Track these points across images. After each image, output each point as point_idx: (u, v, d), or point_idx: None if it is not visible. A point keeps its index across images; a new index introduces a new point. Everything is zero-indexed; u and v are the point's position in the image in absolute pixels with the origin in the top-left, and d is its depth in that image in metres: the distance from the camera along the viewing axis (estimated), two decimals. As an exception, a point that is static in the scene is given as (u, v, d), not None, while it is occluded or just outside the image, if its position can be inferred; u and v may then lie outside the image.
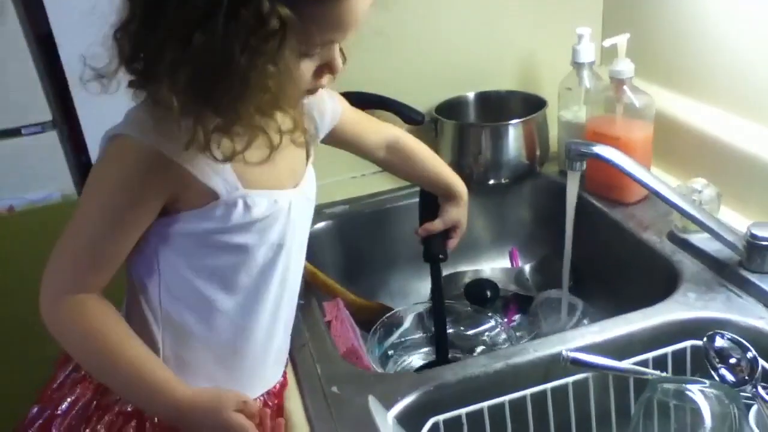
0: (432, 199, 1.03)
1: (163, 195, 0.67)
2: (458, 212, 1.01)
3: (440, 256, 1.02)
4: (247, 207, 0.69)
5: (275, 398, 0.80)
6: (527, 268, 1.25)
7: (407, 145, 0.98)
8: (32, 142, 1.15)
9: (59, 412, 0.74)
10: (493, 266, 1.26)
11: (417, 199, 1.10)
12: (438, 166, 1.01)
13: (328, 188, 1.20)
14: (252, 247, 0.71)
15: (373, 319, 1.09)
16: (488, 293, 1.17)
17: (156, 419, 0.72)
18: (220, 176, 0.67)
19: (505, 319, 1.13)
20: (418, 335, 1.12)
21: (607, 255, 1.11)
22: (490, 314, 1.10)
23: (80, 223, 0.66)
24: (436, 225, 1.01)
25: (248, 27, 0.56)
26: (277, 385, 0.81)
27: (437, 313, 1.04)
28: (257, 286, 0.74)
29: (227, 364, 0.76)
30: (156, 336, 0.73)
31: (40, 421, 0.76)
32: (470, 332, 1.10)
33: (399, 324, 1.11)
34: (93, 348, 0.67)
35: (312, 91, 0.70)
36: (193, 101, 0.60)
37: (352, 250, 1.20)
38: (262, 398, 0.78)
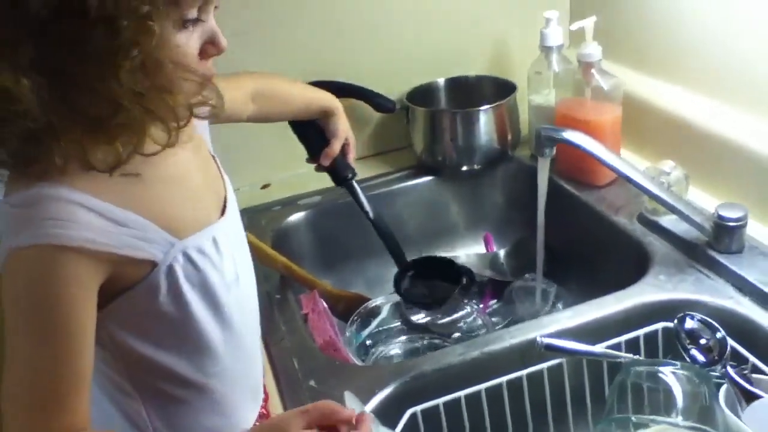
0: (308, 127, 1.01)
1: (94, 290, 0.57)
2: (344, 124, 1.00)
3: (350, 175, 1.03)
4: (189, 260, 0.62)
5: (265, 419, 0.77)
6: (502, 253, 1.25)
7: (268, 89, 0.93)
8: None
9: None
10: (468, 252, 1.27)
11: (389, 188, 1.11)
12: (303, 92, 0.99)
13: (301, 179, 1.20)
14: (213, 302, 0.65)
15: (351, 309, 1.09)
16: (463, 280, 1.17)
17: None
18: (146, 240, 0.58)
19: (481, 305, 1.14)
20: (396, 324, 1.12)
21: (580, 238, 1.13)
22: (465, 301, 1.11)
23: (20, 358, 0.55)
24: (334, 146, 0.99)
25: None
26: (264, 401, 0.78)
27: (379, 228, 1.06)
28: (233, 332, 0.68)
29: (216, 409, 0.70)
30: (141, 414, 0.67)
31: None
32: (446, 319, 1.11)
33: (377, 314, 1.11)
34: None
35: (202, 81, 0.60)
36: (48, 91, 0.50)
37: (327, 241, 1.20)
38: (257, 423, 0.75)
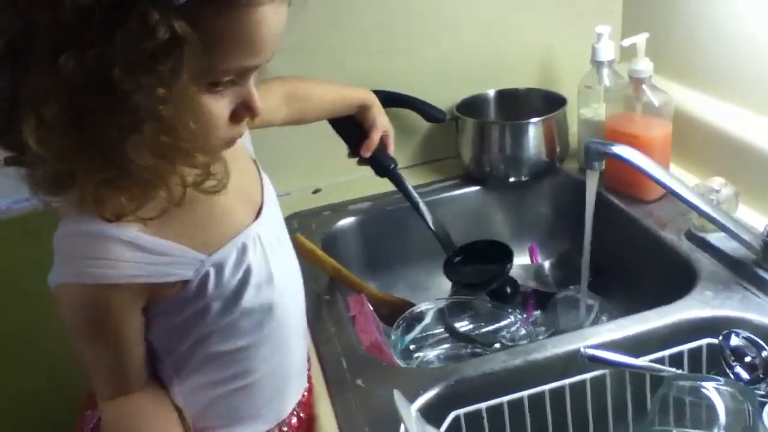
0: (346, 122, 1.03)
1: (137, 309, 0.63)
2: (381, 117, 1.03)
3: (391, 165, 1.05)
4: (219, 272, 0.65)
5: (306, 408, 0.80)
6: (547, 264, 1.26)
7: (301, 90, 0.94)
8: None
9: None
10: (514, 262, 1.28)
11: (436, 196, 1.14)
12: (337, 89, 1.01)
13: (353, 185, 1.24)
14: (240, 302, 0.67)
15: (395, 314, 1.11)
16: (508, 289, 1.19)
17: None
18: (179, 264, 0.62)
19: (524, 315, 1.16)
20: (439, 330, 1.14)
21: (626, 252, 1.13)
22: (509, 310, 1.12)
23: (87, 353, 0.66)
24: (374, 138, 1.01)
25: (131, 40, 0.48)
26: (305, 393, 0.81)
27: (417, 207, 1.09)
28: (263, 327, 0.71)
29: (256, 406, 0.75)
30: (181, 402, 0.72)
31: (94, 421, 0.79)
32: (490, 328, 1.12)
33: (420, 319, 1.13)
34: None
35: (230, 141, 0.62)
36: (69, 145, 0.52)
37: (374, 246, 1.23)
38: (295, 411, 0.78)
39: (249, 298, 0.68)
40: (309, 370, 0.83)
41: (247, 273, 0.67)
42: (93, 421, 0.78)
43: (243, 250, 0.67)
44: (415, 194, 1.09)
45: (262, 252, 0.69)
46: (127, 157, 0.52)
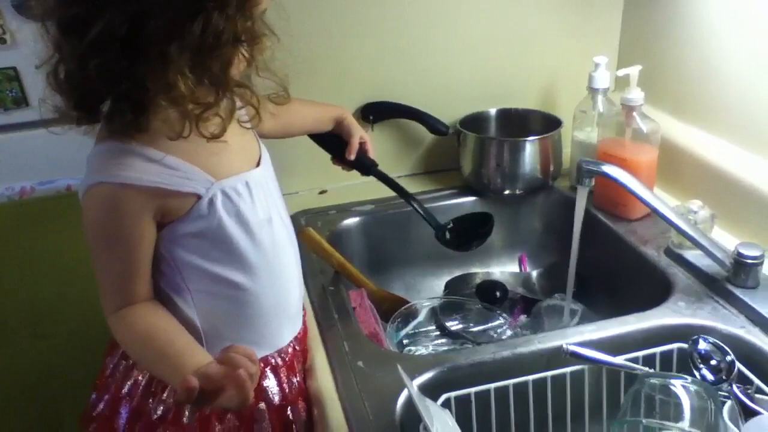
0: (326, 135, 1.15)
1: (149, 216, 0.76)
2: (356, 125, 1.14)
3: (373, 165, 1.15)
4: (226, 195, 0.79)
5: (301, 343, 0.94)
6: (534, 273, 1.35)
7: (284, 107, 0.99)
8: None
9: (123, 393, 0.85)
10: (503, 270, 1.37)
11: (435, 204, 1.23)
12: (318, 107, 1.13)
13: (358, 189, 1.31)
14: (247, 229, 0.82)
15: (392, 309, 1.19)
16: (498, 293, 1.27)
17: None
18: (191, 179, 0.77)
19: (512, 319, 1.24)
20: (431, 327, 1.22)
21: (609, 265, 1.21)
22: (499, 312, 1.20)
23: (100, 262, 0.77)
24: (354, 142, 1.12)
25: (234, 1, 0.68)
26: (301, 331, 0.94)
27: (413, 199, 1.18)
28: (267, 259, 0.85)
29: (259, 329, 0.88)
30: (193, 319, 0.83)
31: (102, 405, 0.87)
32: (479, 328, 1.20)
33: (414, 316, 1.21)
34: (137, 354, 0.80)
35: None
36: (195, 82, 0.70)
37: (375, 245, 1.31)
38: (291, 344, 0.92)
39: (253, 229, 0.82)
40: (304, 316, 0.96)
41: (252, 206, 0.82)
42: (100, 404, 0.87)
43: (247, 186, 0.83)
44: (400, 185, 1.17)
45: (262, 194, 0.85)
46: (226, 80, 0.73)
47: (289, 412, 0.89)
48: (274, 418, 0.87)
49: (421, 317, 1.22)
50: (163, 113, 0.73)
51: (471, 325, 1.21)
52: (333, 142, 1.15)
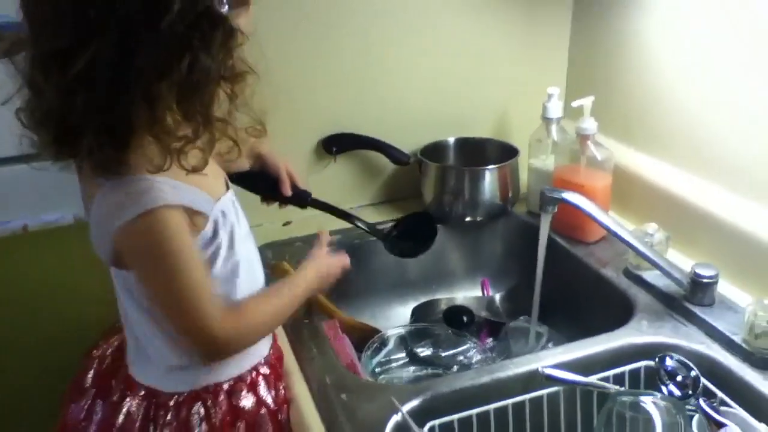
0: (249, 176, 1.09)
1: (188, 228, 0.79)
2: (277, 157, 1.11)
3: (308, 195, 1.14)
4: (223, 215, 0.85)
5: (276, 351, 0.98)
6: (497, 297, 1.39)
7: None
8: (49, 165, 1.23)
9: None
10: (467, 294, 1.40)
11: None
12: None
13: (317, 220, 1.31)
14: (232, 246, 0.86)
15: (363, 338, 1.20)
16: (464, 318, 1.30)
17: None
18: (202, 200, 0.81)
19: (479, 342, 1.27)
20: (401, 355, 1.24)
21: (570, 287, 1.26)
22: (467, 336, 1.23)
23: (182, 280, 0.78)
24: (284, 177, 1.10)
25: (216, 38, 0.72)
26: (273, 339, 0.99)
27: (345, 216, 1.20)
28: (248, 272, 0.90)
29: None
30: None
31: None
32: (449, 352, 1.22)
33: (385, 344, 1.22)
34: (269, 319, 0.89)
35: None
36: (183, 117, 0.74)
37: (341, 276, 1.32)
38: (270, 352, 0.96)
39: (237, 248, 0.86)
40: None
41: (238, 225, 0.88)
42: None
43: (232, 205, 0.89)
44: (339, 208, 1.19)
45: (239, 213, 0.90)
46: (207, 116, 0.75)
47: (280, 417, 0.92)
48: (273, 421, 0.90)
49: (391, 345, 1.23)
50: (142, 148, 0.74)
51: (441, 350, 1.23)
52: (256, 180, 1.10)
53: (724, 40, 1.10)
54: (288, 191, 1.11)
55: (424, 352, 1.24)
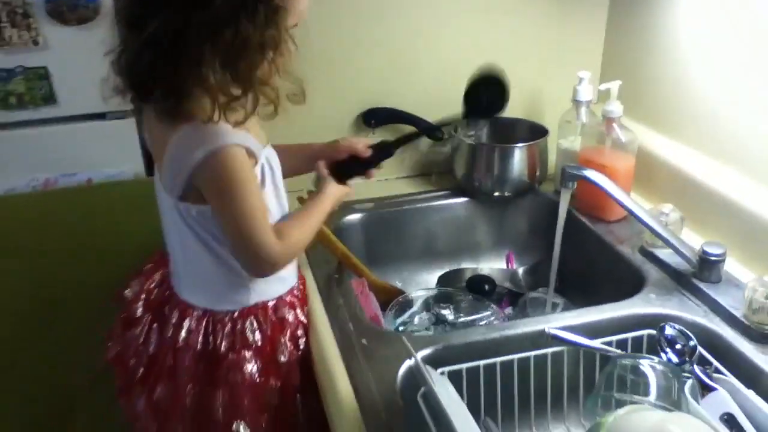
0: (340, 164, 1.16)
1: (251, 165, 0.95)
2: (332, 144, 1.18)
3: (387, 146, 1.20)
4: (268, 162, 0.99)
5: (301, 285, 1.13)
6: (520, 270, 1.45)
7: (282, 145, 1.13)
8: (113, 126, 1.36)
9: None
10: (492, 266, 1.47)
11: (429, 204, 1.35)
12: (299, 147, 1.19)
13: (359, 188, 1.41)
14: (278, 193, 1.03)
15: (389, 299, 1.30)
16: (486, 287, 1.37)
17: None
18: (255, 146, 0.95)
19: (499, 310, 1.34)
20: (425, 317, 1.32)
21: (588, 263, 1.33)
22: (488, 303, 1.31)
23: (246, 205, 0.93)
24: (357, 147, 1.17)
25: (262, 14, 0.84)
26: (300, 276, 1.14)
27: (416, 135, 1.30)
28: (281, 210, 1.06)
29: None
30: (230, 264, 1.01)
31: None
32: (469, 318, 1.30)
33: (410, 306, 1.31)
34: (309, 232, 1.04)
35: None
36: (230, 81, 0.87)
37: (374, 240, 1.41)
38: (298, 284, 1.11)
39: (280, 192, 1.03)
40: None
41: (275, 173, 1.02)
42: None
43: (274, 157, 1.02)
44: (410, 134, 1.27)
45: (276, 165, 1.03)
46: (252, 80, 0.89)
47: (301, 342, 1.07)
48: (306, 334, 1.07)
49: (416, 307, 1.32)
50: (198, 101, 0.88)
51: (462, 314, 1.31)
52: (341, 169, 1.16)
53: (746, 35, 1.14)
54: (368, 152, 1.18)
55: (446, 315, 1.32)
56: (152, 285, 1.09)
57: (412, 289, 1.39)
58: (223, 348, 0.99)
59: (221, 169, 0.91)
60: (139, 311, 1.05)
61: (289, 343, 1.05)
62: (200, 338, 1.00)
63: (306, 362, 1.06)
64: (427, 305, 1.33)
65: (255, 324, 1.02)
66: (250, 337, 1.01)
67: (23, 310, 1.40)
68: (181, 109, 0.89)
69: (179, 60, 0.84)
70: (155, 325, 1.03)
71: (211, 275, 1.01)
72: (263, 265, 0.97)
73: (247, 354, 1.00)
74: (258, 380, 1.01)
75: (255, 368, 1.00)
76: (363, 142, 1.18)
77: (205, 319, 1.01)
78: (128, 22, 0.87)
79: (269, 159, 1.01)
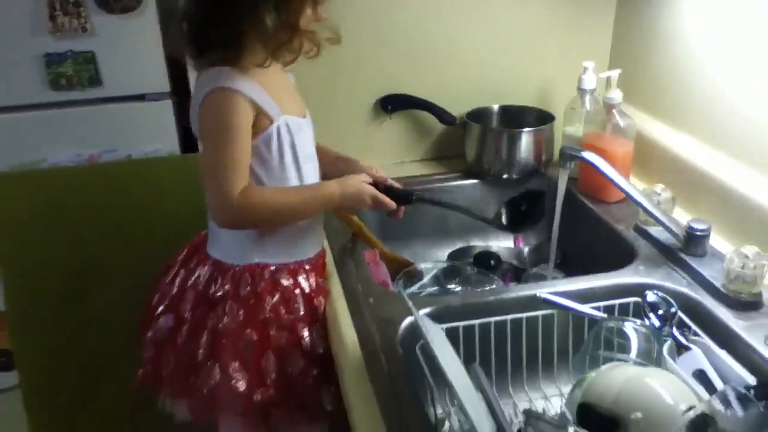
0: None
1: (250, 119, 1.02)
2: (365, 170, 1.22)
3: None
4: (288, 127, 1.06)
5: (321, 258, 1.22)
6: (526, 249, 1.55)
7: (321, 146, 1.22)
8: (152, 107, 1.49)
9: (189, 284, 1.14)
10: (500, 245, 1.57)
11: (441, 185, 1.43)
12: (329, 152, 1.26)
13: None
14: (296, 159, 1.10)
15: (400, 270, 1.39)
16: (492, 262, 1.47)
17: None
18: (270, 106, 1.03)
19: (504, 284, 1.43)
20: (434, 289, 1.42)
21: (588, 240, 1.41)
22: (493, 277, 1.40)
23: (222, 150, 1.01)
24: (379, 176, 1.22)
25: None
26: (322, 252, 1.23)
27: (453, 207, 1.32)
28: (300, 181, 1.13)
29: (294, 241, 1.16)
30: None
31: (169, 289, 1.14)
32: (474, 290, 1.40)
33: (419, 278, 1.41)
34: (279, 207, 1.08)
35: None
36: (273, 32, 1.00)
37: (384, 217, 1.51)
38: (316, 257, 1.20)
39: (300, 160, 1.10)
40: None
41: (302, 142, 1.10)
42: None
43: (301, 127, 1.10)
44: (444, 201, 1.32)
45: (307, 138, 1.13)
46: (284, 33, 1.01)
47: (315, 302, 1.15)
48: (306, 302, 1.14)
49: (425, 279, 1.42)
50: (251, 48, 1.01)
51: (468, 286, 1.41)
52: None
53: (744, 33, 1.22)
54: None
55: (453, 287, 1.41)
56: (196, 238, 1.21)
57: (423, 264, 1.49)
58: (218, 294, 1.09)
59: (213, 107, 1.00)
60: (177, 264, 1.18)
61: (278, 306, 1.11)
62: (204, 281, 1.11)
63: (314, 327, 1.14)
64: (436, 279, 1.43)
65: (249, 279, 1.10)
66: (242, 291, 1.09)
67: (68, 270, 1.52)
68: (239, 57, 1.00)
69: (237, 12, 0.97)
70: (182, 271, 1.15)
71: (222, 230, 1.09)
72: (221, 215, 1.04)
73: (234, 304, 1.09)
74: (236, 329, 1.08)
75: (237, 318, 1.08)
76: (382, 178, 1.22)
77: (213, 267, 1.12)
78: None
79: (290, 126, 1.07)
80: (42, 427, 1.61)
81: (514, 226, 1.34)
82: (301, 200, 1.10)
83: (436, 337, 0.96)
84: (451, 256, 1.52)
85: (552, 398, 1.13)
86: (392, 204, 1.17)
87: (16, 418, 1.60)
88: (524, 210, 1.33)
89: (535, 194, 1.35)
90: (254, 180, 1.07)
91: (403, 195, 1.21)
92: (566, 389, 1.13)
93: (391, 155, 1.60)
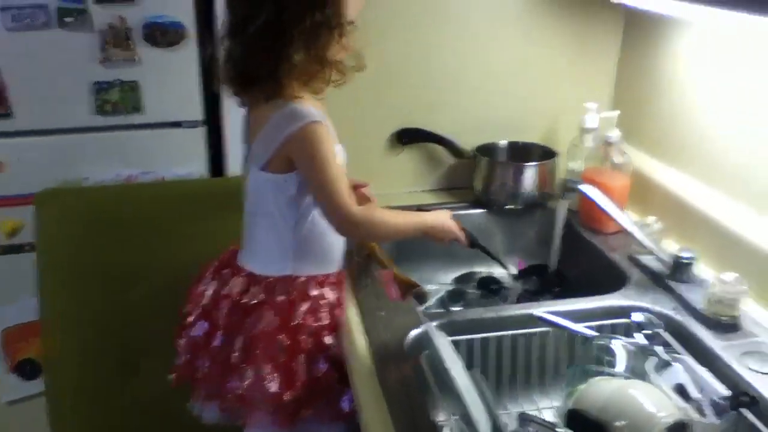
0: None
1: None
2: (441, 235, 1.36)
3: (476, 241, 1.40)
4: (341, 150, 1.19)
5: (341, 275, 1.32)
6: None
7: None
8: (186, 133, 1.62)
9: (223, 293, 1.24)
10: (502, 271, 1.66)
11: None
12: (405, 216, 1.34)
13: (390, 197, 1.62)
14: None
15: (409, 291, 1.50)
16: (494, 286, 1.57)
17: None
18: (334, 134, 1.17)
19: (505, 306, 1.53)
20: (438, 310, 1.51)
21: (586, 268, 1.51)
22: (496, 300, 1.50)
23: (332, 174, 1.14)
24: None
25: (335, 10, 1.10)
26: (344, 267, 1.33)
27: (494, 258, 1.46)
28: None
29: (329, 254, 1.29)
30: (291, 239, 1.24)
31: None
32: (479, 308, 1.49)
33: (425, 299, 1.51)
34: (391, 228, 1.24)
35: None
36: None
37: (402, 242, 1.61)
38: (340, 270, 1.31)
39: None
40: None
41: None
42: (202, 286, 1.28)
43: (342, 152, 1.23)
44: (494, 254, 1.46)
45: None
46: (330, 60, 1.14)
47: (336, 311, 1.25)
48: (330, 312, 1.24)
49: (430, 302, 1.52)
50: (288, 83, 1.12)
51: (471, 308, 1.50)
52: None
53: (739, 81, 1.33)
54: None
55: (457, 309, 1.51)
56: (225, 254, 1.32)
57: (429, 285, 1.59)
58: (253, 302, 1.20)
59: (312, 138, 1.12)
60: (210, 275, 1.29)
61: (307, 314, 1.21)
62: (238, 290, 1.22)
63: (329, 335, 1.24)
64: (441, 302, 1.53)
65: (282, 288, 1.21)
66: (277, 299, 1.20)
67: (111, 276, 1.61)
68: (280, 90, 1.11)
69: (273, 47, 1.08)
70: (215, 282, 1.26)
71: (261, 244, 1.23)
72: (344, 224, 1.17)
73: (269, 311, 1.19)
74: (271, 334, 1.18)
75: (272, 324, 1.18)
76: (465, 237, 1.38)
77: (248, 278, 1.23)
78: (233, 25, 1.11)
79: (340, 151, 1.21)
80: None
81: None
82: (404, 223, 1.26)
83: (441, 342, 1.06)
84: (457, 280, 1.62)
85: (544, 411, 1.22)
86: (465, 242, 1.35)
87: (39, 426, 1.66)
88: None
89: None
90: (310, 206, 1.21)
91: (472, 238, 1.39)
92: (558, 403, 1.22)
93: (404, 184, 1.72)
